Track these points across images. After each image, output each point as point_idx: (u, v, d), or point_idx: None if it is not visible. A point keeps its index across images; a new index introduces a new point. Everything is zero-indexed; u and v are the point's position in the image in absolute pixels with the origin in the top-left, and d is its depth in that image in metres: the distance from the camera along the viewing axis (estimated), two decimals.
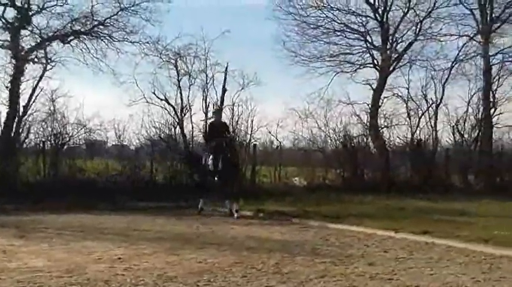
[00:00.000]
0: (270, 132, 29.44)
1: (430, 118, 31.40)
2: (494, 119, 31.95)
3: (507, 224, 17.24)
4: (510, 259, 12.50)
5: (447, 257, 12.73)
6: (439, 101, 31.48)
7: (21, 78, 25.60)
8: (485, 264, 12.01)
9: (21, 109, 25.47)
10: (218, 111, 21.84)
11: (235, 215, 19.49)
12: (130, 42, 27.36)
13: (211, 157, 20.26)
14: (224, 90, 28.43)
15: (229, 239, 15.05)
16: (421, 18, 31.50)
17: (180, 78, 28.33)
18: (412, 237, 15.34)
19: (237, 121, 28.20)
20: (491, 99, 31.83)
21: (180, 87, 28.24)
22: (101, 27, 26.98)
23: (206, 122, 28.02)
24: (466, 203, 23.39)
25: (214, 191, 21.38)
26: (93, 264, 11.31)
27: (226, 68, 28.48)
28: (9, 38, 25.82)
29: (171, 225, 17.78)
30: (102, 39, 26.95)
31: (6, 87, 25.26)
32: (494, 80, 31.94)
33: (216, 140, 20.02)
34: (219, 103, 28.30)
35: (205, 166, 20.68)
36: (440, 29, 31.97)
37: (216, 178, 20.36)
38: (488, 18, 31.55)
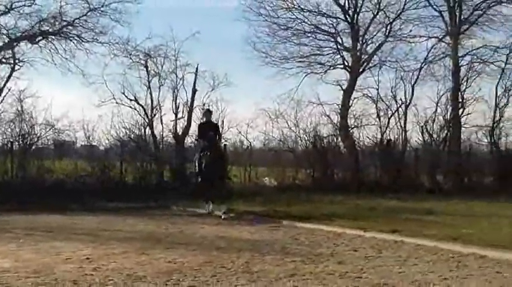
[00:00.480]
0: (240, 133, 29.59)
1: (399, 118, 31.65)
2: (462, 120, 32.32)
3: (474, 222, 17.41)
4: (477, 256, 12.59)
5: (415, 256, 12.79)
6: (408, 101, 31.77)
7: None
8: (453, 262, 12.08)
9: None
10: (208, 112, 21.24)
11: (223, 216, 19.19)
12: (100, 43, 27.35)
13: (196, 156, 20.23)
14: (194, 91, 28.47)
15: (199, 239, 15.02)
16: (391, 20, 31.79)
17: (150, 79, 28.38)
18: (381, 236, 15.40)
19: None
20: (460, 100, 32.12)
21: (150, 88, 28.29)
22: (70, 27, 26.89)
23: (176, 122, 28.03)
24: (435, 202, 23.54)
25: (199, 191, 21.09)
26: (61, 264, 11.23)
27: (197, 69, 28.61)
28: None
29: (141, 225, 17.71)
30: (71, 40, 26.89)
31: None
32: (463, 81, 32.29)
33: (204, 140, 19.86)
34: (189, 104, 28.29)
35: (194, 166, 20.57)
36: (410, 31, 32.31)
37: (200, 178, 20.11)
38: (457, 20, 31.83)
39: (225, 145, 28.62)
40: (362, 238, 15.45)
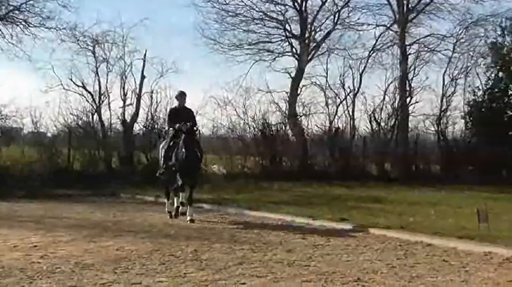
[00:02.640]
0: None
1: (347, 107, 31.88)
2: (410, 108, 32.72)
3: (422, 211, 17.62)
4: (424, 244, 12.77)
5: (364, 244, 12.91)
6: (356, 89, 32.00)
7: None
8: (401, 250, 12.23)
9: None
10: (181, 95, 17.27)
11: (188, 218, 15.82)
12: (47, 28, 27.02)
13: (162, 144, 17.31)
14: (143, 78, 28.30)
15: (147, 227, 14.97)
16: (339, 8, 31.99)
17: (98, 65, 28.15)
18: (329, 224, 15.52)
19: (156, 109, 28.06)
20: (408, 89, 32.43)
21: (98, 74, 28.06)
22: (16, 12, 26.52)
23: (124, 109, 27.80)
24: (382, 190, 23.78)
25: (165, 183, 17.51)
26: (8, 252, 11.12)
27: (145, 55, 28.47)
28: None
29: (89, 213, 17.59)
30: (17, 25, 26.53)
31: None
32: (411, 69, 32.65)
33: (175, 127, 16.28)
34: (137, 90, 28.11)
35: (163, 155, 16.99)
36: (358, 19, 32.57)
37: (163, 170, 16.81)
38: (404, 9, 32.13)
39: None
40: (311, 226, 15.55)
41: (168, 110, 18.37)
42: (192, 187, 16.41)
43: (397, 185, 26.20)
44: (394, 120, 32.16)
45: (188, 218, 15.73)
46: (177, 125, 16.17)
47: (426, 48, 32.94)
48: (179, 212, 16.53)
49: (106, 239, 12.79)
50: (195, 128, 16.55)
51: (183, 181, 16.15)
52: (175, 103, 17.35)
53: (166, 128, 18.01)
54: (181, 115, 16.49)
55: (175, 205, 16.73)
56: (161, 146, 17.29)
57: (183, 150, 15.61)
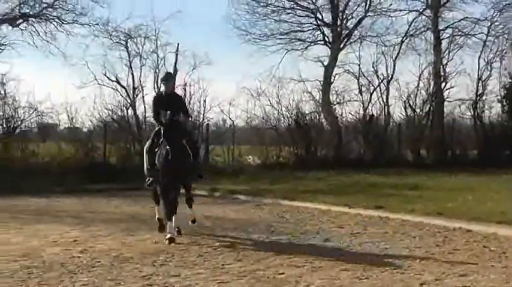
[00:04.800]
0: (222, 112, 29.37)
1: (381, 94, 31.69)
2: (445, 93, 32.39)
3: (459, 197, 17.48)
4: (463, 231, 12.72)
5: (402, 231, 12.90)
6: (390, 76, 31.77)
7: None
8: (439, 237, 12.20)
9: None
10: (168, 78, 13.69)
11: (190, 218, 13.29)
12: (80, 24, 27.19)
13: (146, 144, 13.34)
14: (175, 71, 28.32)
15: (184, 219, 15.02)
16: None
17: (131, 59, 28.22)
18: (366, 212, 15.50)
19: (190, 101, 28.08)
20: (442, 74, 32.14)
21: (131, 68, 28.12)
22: (50, 9, 26.74)
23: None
24: (419, 177, 23.63)
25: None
26: (48, 247, 11.23)
27: (177, 48, 28.45)
28: None
29: (126, 206, 17.70)
30: (51, 22, 26.73)
31: None
32: (445, 54, 32.33)
33: (162, 121, 12.26)
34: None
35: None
36: (390, 5, 32.23)
37: (150, 179, 12.80)
38: None
39: (207, 124, 28.59)
40: (347, 214, 15.55)
41: (152, 97, 14.05)
42: (188, 190, 13.22)
43: (433, 171, 26.01)
44: (429, 106, 31.96)
45: (190, 223, 13.03)
46: (161, 115, 12.26)
47: (460, 33, 32.64)
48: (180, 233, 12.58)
49: (144, 232, 12.88)
50: (180, 117, 12.53)
51: (167, 187, 12.31)
52: (162, 88, 13.76)
53: (152, 120, 13.98)
54: (168, 104, 12.54)
55: (169, 232, 11.92)
56: (145, 146, 13.32)
57: (166, 148, 11.90)
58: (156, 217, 13.19)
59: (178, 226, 12.50)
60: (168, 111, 12.08)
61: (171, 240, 11.60)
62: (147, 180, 12.89)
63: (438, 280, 8.65)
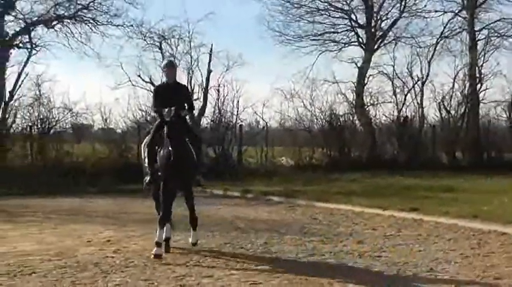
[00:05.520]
0: (255, 113, 29.36)
1: (416, 95, 31.45)
2: (480, 95, 32.07)
3: (494, 199, 17.29)
4: (499, 233, 12.60)
5: (436, 234, 12.81)
6: (425, 78, 31.53)
7: (6, 63, 25.48)
8: (474, 240, 12.10)
9: (7, 94, 25.36)
10: (170, 66, 12.06)
11: (191, 240, 11.55)
12: (115, 25, 27.37)
13: (145, 140, 11.87)
14: (209, 72, 28.42)
15: (217, 220, 15.06)
16: None
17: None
18: (400, 214, 15.42)
19: (223, 102, 28.15)
20: (477, 75, 31.85)
21: None
22: (85, 11, 26.94)
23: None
24: (454, 179, 23.42)
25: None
26: (82, 247, 11.33)
27: (211, 49, 28.53)
28: None
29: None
30: (86, 23, 26.93)
31: None
32: (480, 55, 32.00)
33: (166, 119, 10.79)
34: (204, 85, 28.24)
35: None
36: (425, 6, 32.03)
37: (149, 178, 11.47)
38: None
39: (240, 125, 28.57)
40: (381, 216, 15.48)
41: (154, 88, 12.84)
42: (190, 201, 11.89)
43: (468, 174, 25.76)
44: (464, 107, 31.68)
45: (191, 240, 11.40)
46: (164, 110, 10.83)
47: (496, 34, 32.34)
48: (169, 246, 11.20)
49: (177, 233, 12.86)
50: (183, 112, 11.27)
51: (168, 193, 11.27)
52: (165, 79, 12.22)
53: (153, 112, 13.05)
54: (171, 95, 11.22)
55: (163, 236, 10.93)
56: (144, 142, 11.94)
57: (169, 148, 10.60)
58: (156, 239, 10.75)
59: (169, 238, 11.15)
60: (173, 108, 10.68)
61: (157, 256, 10.21)
62: (145, 179, 11.57)
63: (473, 283, 8.59)
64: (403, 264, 9.77)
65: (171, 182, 11.09)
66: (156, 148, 11.21)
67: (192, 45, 28.62)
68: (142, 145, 11.90)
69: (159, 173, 11.13)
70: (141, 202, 18.56)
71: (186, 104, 11.62)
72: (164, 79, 12.40)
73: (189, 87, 11.00)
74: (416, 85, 31.43)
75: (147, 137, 11.76)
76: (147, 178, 11.48)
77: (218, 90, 28.35)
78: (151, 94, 12.58)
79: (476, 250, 10.96)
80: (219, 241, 12.06)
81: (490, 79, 32.13)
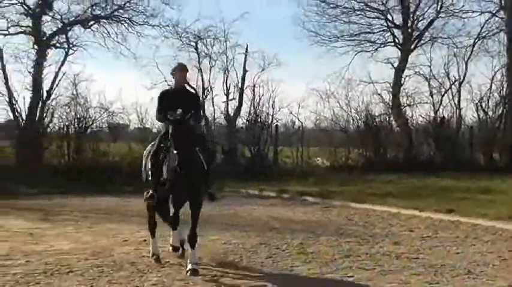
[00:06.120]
0: (291, 113, 29.32)
1: (453, 96, 31.14)
2: None
3: None
4: None
5: (473, 236, 12.71)
6: (462, 78, 31.17)
7: (44, 63, 25.74)
8: (510, 241, 11.98)
9: (45, 94, 25.59)
10: (180, 69, 10.62)
11: (189, 266, 9.35)
12: (150, 25, 27.45)
13: (147, 149, 10.91)
14: (245, 72, 28.43)
15: (253, 220, 15.07)
16: None
17: (200, 60, 28.34)
18: (436, 216, 15.32)
19: (258, 102, 28.15)
20: None
21: (200, 69, 28.24)
22: (121, 11, 27.06)
23: (227, 103, 27.94)
24: (491, 180, 23.17)
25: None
26: (118, 246, 11.40)
27: (246, 49, 28.51)
28: (31, 24, 25.94)
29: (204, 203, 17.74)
30: (122, 23, 27.05)
31: (30, 72, 25.40)
32: None
33: (171, 119, 9.64)
34: (239, 85, 28.25)
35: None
36: (462, 6, 31.63)
37: (152, 192, 10.12)
38: None
39: (276, 125, 28.56)
40: (417, 218, 15.38)
41: (159, 94, 10.80)
42: (195, 212, 10.11)
43: (506, 175, 25.40)
44: (502, 108, 31.32)
45: (189, 266, 9.35)
46: (169, 113, 9.64)
47: None
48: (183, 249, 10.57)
49: (212, 232, 12.92)
50: (190, 119, 9.67)
51: (177, 203, 10.57)
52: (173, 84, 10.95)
53: (156, 119, 11.38)
54: (177, 102, 9.84)
55: (174, 242, 10.62)
56: (145, 151, 10.98)
57: (174, 153, 9.35)
58: (150, 250, 10.40)
59: (183, 239, 10.35)
60: (179, 110, 9.50)
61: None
62: (146, 193, 10.26)
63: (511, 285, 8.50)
64: (440, 266, 9.70)
65: (178, 190, 9.95)
66: (162, 158, 9.91)
67: (227, 45, 28.63)
68: (144, 155, 10.76)
69: (166, 185, 9.85)
70: None
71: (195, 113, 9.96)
72: (173, 85, 10.92)
73: (200, 95, 8.65)
74: (453, 86, 31.15)
75: (149, 147, 10.73)
76: (150, 191, 10.14)
77: (253, 90, 28.36)
78: (158, 100, 10.44)
79: None
80: (255, 241, 12.05)
81: None
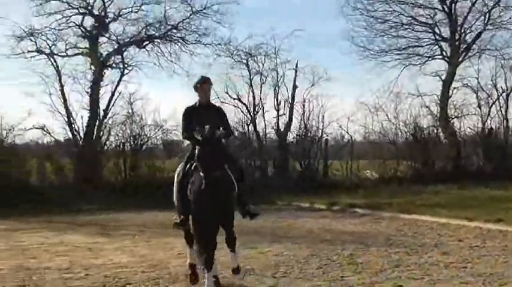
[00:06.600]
0: (340, 127, 29.30)
1: (500, 107, 30.79)
2: None
3: None
4: None
5: None
6: (509, 89, 30.80)
7: (101, 83, 26.13)
8: None
9: (102, 113, 25.98)
10: (203, 83, 9.72)
11: (233, 266, 9.55)
12: (203, 44, 27.71)
13: (177, 170, 9.76)
14: (295, 87, 28.49)
15: (304, 232, 15.11)
16: (490, 8, 30.80)
17: (251, 77, 28.50)
18: (485, 225, 15.19)
19: (308, 117, 28.20)
20: None
21: (252, 86, 28.40)
22: (174, 31, 27.37)
23: (278, 119, 27.99)
24: None
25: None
26: (174, 259, 11.53)
27: (296, 65, 28.56)
28: (88, 46, 26.37)
29: (247, 220, 17.82)
30: (175, 43, 27.37)
31: (87, 92, 25.84)
32: None
33: (197, 138, 8.74)
34: (290, 100, 28.31)
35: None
36: (510, 18, 31.19)
37: (181, 217, 9.35)
38: None
39: (326, 139, 28.58)
40: (466, 227, 15.27)
41: (183, 111, 9.66)
42: (230, 239, 9.53)
43: None
44: None
45: (232, 265, 9.46)
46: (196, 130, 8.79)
47: None
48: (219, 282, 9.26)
49: (265, 245, 13.03)
50: (218, 133, 8.87)
51: (203, 230, 9.04)
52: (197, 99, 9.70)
53: (182, 138, 10.78)
54: (204, 118, 9.08)
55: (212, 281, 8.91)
56: (176, 173, 9.83)
57: (201, 174, 8.48)
58: (187, 261, 9.81)
59: (216, 275, 9.18)
60: (207, 126, 8.71)
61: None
62: (175, 218, 9.63)
63: None
64: (488, 275, 9.62)
65: (206, 218, 8.87)
66: (189, 180, 9.05)
67: (278, 62, 28.73)
68: (176, 175, 9.65)
69: (195, 213, 8.97)
70: None
71: (221, 128, 9.14)
72: (197, 100, 9.64)
73: (224, 110, 7.87)
74: (501, 97, 30.84)
75: (178, 167, 9.64)
76: (178, 217, 9.44)
77: (303, 106, 28.41)
78: (182, 117, 9.46)
79: None
80: (306, 252, 12.09)
81: None
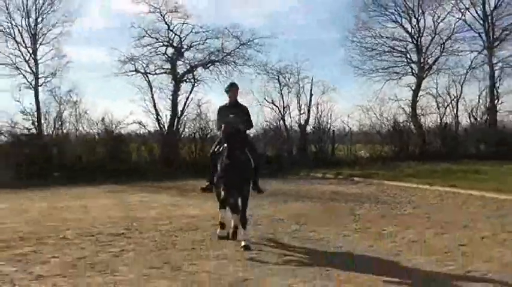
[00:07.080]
0: (343, 122, 29.08)
1: (453, 108, 30.28)
2: (498, 107, 30.55)
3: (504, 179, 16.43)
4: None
5: (469, 202, 12.36)
6: (459, 96, 30.30)
7: (178, 92, 26.30)
8: (493, 205, 11.62)
9: (179, 112, 26.12)
10: (231, 87, 9.18)
11: (243, 243, 8.09)
12: (248, 65, 27.51)
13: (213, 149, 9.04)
14: (311, 95, 28.34)
15: (319, 194, 15.00)
16: (444, 41, 30.30)
17: (281, 88, 28.29)
18: (442, 188, 14.96)
19: (320, 115, 28.10)
20: (495, 93, 30.40)
21: (281, 94, 28.18)
22: (228, 56, 27.22)
23: (300, 116, 27.85)
24: (480, 165, 22.33)
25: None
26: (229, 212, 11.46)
27: (312, 79, 28.34)
28: (169, 67, 26.54)
29: (280, 185, 17.72)
30: (229, 65, 27.20)
31: (169, 99, 26.06)
32: (497, 80, 30.48)
33: (224, 132, 8.33)
34: (308, 104, 28.14)
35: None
36: (458, 47, 30.68)
37: (209, 184, 9.00)
38: (491, 38, 30.11)
39: (333, 130, 28.37)
40: (429, 190, 15.06)
41: (218, 108, 9.16)
42: (244, 202, 8.47)
43: (489, 161, 24.36)
44: (486, 116, 30.13)
45: (242, 243, 8.09)
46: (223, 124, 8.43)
47: (508, 65, 30.63)
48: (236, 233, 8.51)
49: (291, 202, 13.00)
50: (241, 126, 8.32)
51: (229, 196, 8.48)
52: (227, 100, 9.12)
53: (215, 128, 9.93)
54: (230, 112, 8.62)
55: (232, 225, 8.62)
56: (212, 149, 9.15)
57: (224, 155, 8.20)
58: (219, 219, 9.05)
59: (236, 226, 8.47)
60: (231, 115, 8.39)
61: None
62: (204, 185, 9.09)
63: None
64: (445, 222, 9.48)
65: (228, 186, 8.36)
66: (216, 158, 8.67)
67: (299, 77, 28.56)
68: (212, 152, 8.96)
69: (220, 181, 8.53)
70: (269, 182, 18.60)
71: (244, 122, 8.65)
72: (227, 100, 9.07)
73: (249, 108, 7.82)
74: (452, 101, 30.33)
75: (213, 146, 9.10)
76: (207, 185, 8.99)
77: (317, 107, 28.25)
78: (217, 113, 9.02)
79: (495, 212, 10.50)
80: (319, 208, 12.03)
81: (504, 96, 30.41)
